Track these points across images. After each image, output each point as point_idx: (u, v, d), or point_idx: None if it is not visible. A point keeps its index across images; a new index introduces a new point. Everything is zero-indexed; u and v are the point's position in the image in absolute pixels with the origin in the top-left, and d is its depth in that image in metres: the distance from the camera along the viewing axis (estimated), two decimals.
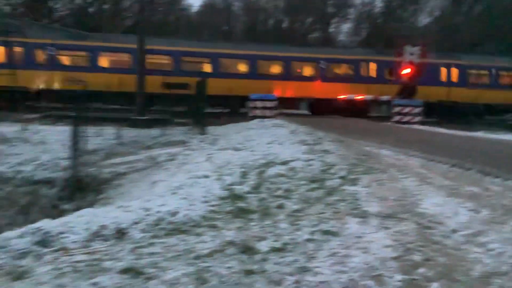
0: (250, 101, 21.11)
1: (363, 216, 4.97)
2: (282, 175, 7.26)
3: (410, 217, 4.93)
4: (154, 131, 14.52)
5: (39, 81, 21.78)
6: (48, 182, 9.87)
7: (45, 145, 12.26)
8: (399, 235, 4.36)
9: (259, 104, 20.89)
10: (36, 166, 10.37)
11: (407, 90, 23.81)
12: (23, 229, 4.41)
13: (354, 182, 6.68)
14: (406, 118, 21.10)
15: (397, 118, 21.31)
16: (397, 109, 21.59)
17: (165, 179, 7.92)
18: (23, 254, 3.89)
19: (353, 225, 4.67)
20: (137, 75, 18.51)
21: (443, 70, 25.92)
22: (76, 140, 9.63)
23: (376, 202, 5.55)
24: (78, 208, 6.90)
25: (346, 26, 46.97)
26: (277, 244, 4.14)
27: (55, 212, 8.11)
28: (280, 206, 5.54)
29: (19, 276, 3.43)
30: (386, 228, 4.58)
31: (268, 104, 20.94)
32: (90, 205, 7.50)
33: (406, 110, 21.38)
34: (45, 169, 10.28)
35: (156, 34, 25.84)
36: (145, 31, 19.33)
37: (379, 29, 42.02)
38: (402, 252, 3.95)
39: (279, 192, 6.25)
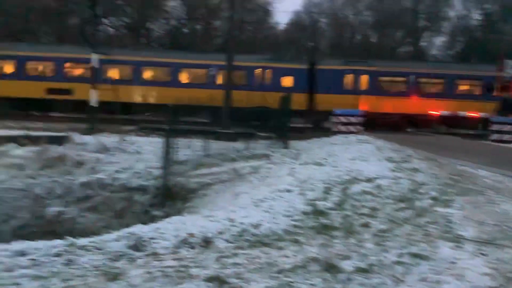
0: (334, 116, 20.84)
1: (457, 240, 4.63)
2: (367, 193, 7.02)
3: (510, 244, 4.51)
4: (238, 144, 14.87)
5: None
6: (142, 189, 10.57)
7: (139, 155, 13.15)
8: (499, 263, 4.00)
9: (343, 119, 20.56)
10: (131, 174, 11.14)
11: (508, 107, 21.93)
12: (119, 232, 4.72)
13: (447, 203, 6.26)
14: (506, 137, 19.45)
15: (495, 136, 19.74)
16: (495, 127, 20.01)
17: (248, 191, 8.05)
18: (118, 257, 4.14)
19: (446, 249, 4.37)
20: (225, 90, 19.22)
21: None
22: (167, 151, 10.19)
23: (471, 226, 5.15)
24: (167, 215, 7.28)
25: (439, 40, 44.62)
26: (363, 265, 4.00)
27: (147, 217, 8.63)
28: (365, 225, 5.35)
29: (114, 277, 3.64)
30: (483, 254, 4.23)
31: (353, 119, 20.54)
32: (178, 212, 7.86)
33: (506, 128, 19.74)
34: (139, 177, 11.00)
35: (245, 51, 26.69)
36: (235, 49, 19.99)
37: (477, 43, 39.38)
38: (502, 282, 3.62)
39: (364, 210, 6.05)
